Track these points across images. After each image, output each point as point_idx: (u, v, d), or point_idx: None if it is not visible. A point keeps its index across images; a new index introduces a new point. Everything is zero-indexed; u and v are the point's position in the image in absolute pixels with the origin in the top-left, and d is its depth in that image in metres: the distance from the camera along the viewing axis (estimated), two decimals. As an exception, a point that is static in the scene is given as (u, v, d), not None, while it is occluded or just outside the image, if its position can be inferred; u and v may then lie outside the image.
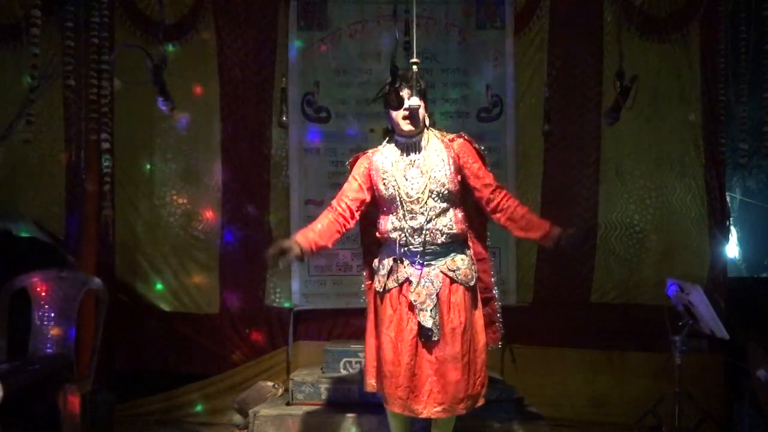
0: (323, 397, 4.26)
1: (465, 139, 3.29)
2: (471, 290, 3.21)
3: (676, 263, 4.98)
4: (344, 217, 3.24)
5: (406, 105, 3.16)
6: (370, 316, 3.34)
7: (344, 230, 3.27)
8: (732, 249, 5.49)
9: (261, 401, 4.50)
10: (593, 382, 4.99)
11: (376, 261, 3.33)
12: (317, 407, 4.20)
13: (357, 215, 3.30)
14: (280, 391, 4.66)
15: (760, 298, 4.94)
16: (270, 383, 4.74)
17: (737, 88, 4.69)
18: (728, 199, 5.18)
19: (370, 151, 3.38)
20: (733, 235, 5.42)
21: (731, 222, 5.26)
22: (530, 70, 5.12)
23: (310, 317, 5.09)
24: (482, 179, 3.24)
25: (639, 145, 5.05)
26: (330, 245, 3.24)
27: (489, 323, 3.36)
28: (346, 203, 3.26)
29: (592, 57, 5.05)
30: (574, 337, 5.03)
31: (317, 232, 3.18)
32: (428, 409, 3.07)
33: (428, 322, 3.06)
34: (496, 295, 3.42)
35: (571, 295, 5.07)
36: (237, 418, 4.71)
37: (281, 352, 5.07)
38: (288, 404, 4.30)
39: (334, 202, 3.28)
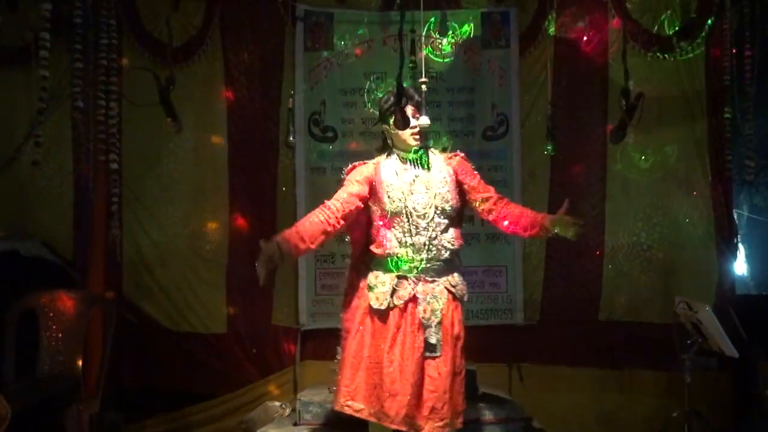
0: (330, 417, 4.24)
1: (462, 157, 3.37)
2: (463, 305, 3.29)
3: (684, 281, 4.96)
4: (336, 217, 3.14)
5: (413, 123, 3.19)
6: (355, 336, 3.27)
7: (332, 230, 3.16)
8: (740, 266, 5.45)
9: (268, 421, 4.48)
10: (602, 401, 4.95)
11: (371, 276, 3.25)
12: (324, 427, 4.18)
13: (348, 219, 3.22)
14: (288, 411, 4.64)
15: (770, 316, 4.90)
16: (277, 403, 4.72)
17: (743, 105, 4.69)
18: (735, 216, 5.16)
19: (371, 161, 3.38)
20: (741, 252, 5.39)
21: (739, 239, 5.24)
22: (535, 88, 5.13)
23: (318, 336, 5.07)
24: (482, 193, 3.32)
25: (645, 162, 5.05)
26: (314, 247, 3.15)
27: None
28: (340, 203, 3.18)
29: (597, 75, 5.07)
30: (582, 356, 5.00)
31: (302, 233, 3.09)
32: (430, 424, 3.08)
33: (433, 339, 3.11)
34: None
35: (579, 314, 5.05)
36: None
37: (288, 372, 5.06)
38: (295, 424, 4.27)
39: (327, 202, 3.21)
